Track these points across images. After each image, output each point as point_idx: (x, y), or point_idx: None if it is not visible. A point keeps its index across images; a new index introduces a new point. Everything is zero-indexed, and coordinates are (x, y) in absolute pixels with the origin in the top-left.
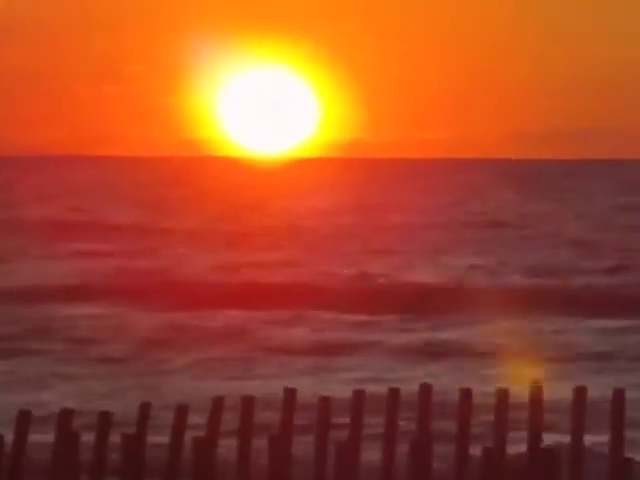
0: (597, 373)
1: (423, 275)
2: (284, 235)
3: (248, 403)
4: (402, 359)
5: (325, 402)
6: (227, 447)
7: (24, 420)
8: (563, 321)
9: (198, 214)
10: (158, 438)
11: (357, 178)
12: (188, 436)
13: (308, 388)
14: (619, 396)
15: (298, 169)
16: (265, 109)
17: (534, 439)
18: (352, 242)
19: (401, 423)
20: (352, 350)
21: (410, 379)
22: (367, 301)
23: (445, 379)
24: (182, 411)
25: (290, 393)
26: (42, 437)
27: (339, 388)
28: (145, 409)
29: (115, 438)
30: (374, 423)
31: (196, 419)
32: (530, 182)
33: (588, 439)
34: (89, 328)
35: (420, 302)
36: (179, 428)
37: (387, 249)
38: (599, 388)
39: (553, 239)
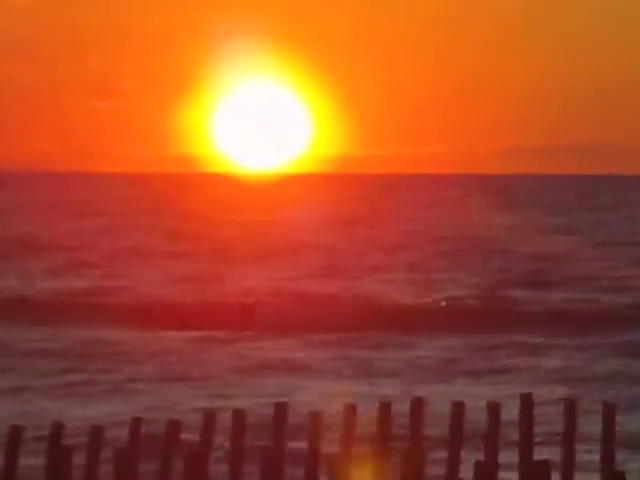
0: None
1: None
2: (232, 250)
3: (239, 417)
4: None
5: (316, 417)
6: (218, 461)
7: (16, 434)
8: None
9: (155, 230)
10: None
11: (341, 194)
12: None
13: None
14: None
15: (285, 185)
16: (258, 125)
17: (525, 452)
18: (296, 259)
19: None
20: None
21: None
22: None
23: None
24: (174, 426)
25: (281, 407)
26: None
27: None
28: (136, 424)
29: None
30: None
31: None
32: (511, 197)
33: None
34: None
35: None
36: (170, 443)
37: (330, 265)
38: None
39: (507, 254)
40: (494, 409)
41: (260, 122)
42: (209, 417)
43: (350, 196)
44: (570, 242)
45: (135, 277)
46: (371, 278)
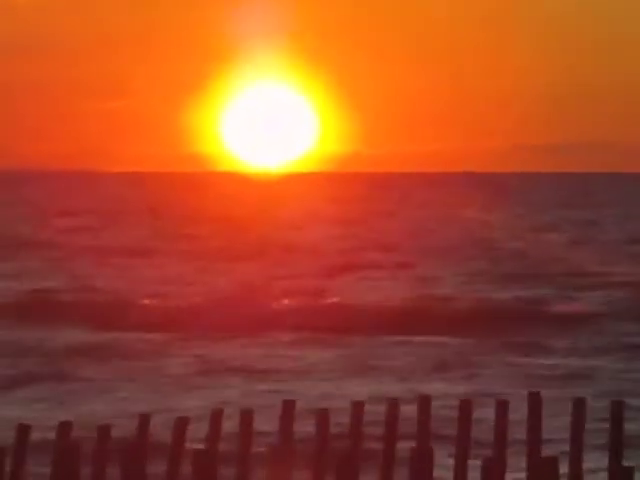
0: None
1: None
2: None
3: (247, 416)
4: None
5: (324, 414)
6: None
7: (23, 433)
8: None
9: (153, 230)
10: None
11: (343, 192)
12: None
13: None
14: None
15: (291, 183)
16: (266, 125)
17: (533, 449)
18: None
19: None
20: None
21: None
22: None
23: None
24: (182, 423)
25: (289, 405)
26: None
27: None
28: (144, 421)
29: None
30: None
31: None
32: (508, 195)
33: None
34: None
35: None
36: (178, 440)
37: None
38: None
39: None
40: (502, 407)
41: (268, 122)
42: (216, 416)
43: (351, 195)
44: (564, 240)
45: (113, 277)
46: (360, 276)
